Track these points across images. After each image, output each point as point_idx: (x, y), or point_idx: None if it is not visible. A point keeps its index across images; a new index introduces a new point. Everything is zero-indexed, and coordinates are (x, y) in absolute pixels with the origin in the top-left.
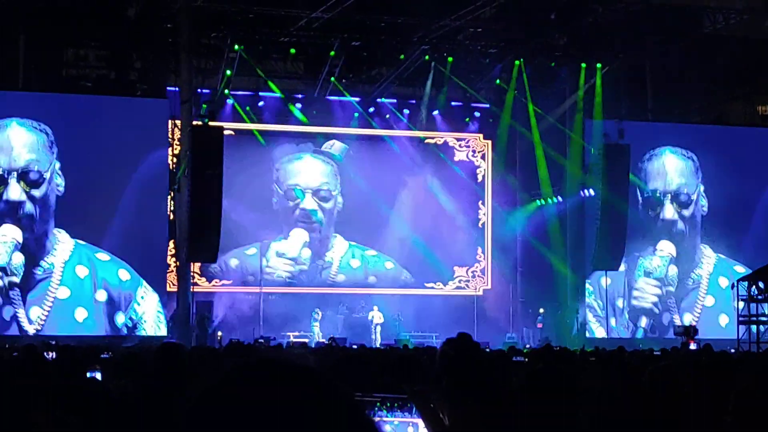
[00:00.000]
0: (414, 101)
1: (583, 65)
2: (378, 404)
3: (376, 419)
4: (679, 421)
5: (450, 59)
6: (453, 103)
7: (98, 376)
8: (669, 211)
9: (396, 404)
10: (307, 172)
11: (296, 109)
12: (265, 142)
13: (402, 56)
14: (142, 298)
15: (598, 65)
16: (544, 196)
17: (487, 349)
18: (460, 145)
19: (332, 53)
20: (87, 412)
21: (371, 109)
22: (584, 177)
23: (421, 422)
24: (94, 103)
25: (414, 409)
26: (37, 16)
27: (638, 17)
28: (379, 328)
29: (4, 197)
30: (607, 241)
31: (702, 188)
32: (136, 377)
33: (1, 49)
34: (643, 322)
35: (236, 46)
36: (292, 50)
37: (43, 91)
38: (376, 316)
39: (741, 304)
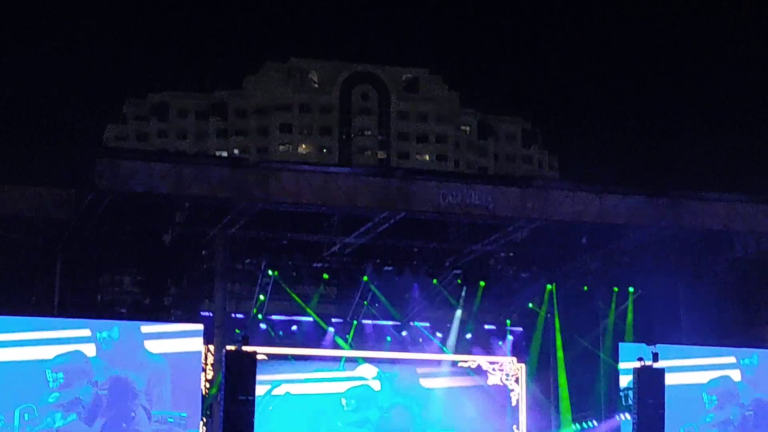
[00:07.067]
0: (447, 324)
1: (615, 289)
2: None
3: None
4: None
5: (482, 283)
6: (486, 326)
7: None
8: None
9: None
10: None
11: (335, 335)
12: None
13: (435, 281)
14: None
15: (630, 289)
16: (576, 421)
17: None
18: (493, 369)
19: (365, 278)
20: None
21: (404, 333)
22: (619, 401)
23: None
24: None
25: None
26: (74, 242)
27: (669, 241)
28: None
29: None
30: None
31: None
32: None
33: (38, 275)
34: None
35: (270, 272)
36: (326, 275)
37: (78, 317)
38: None
39: None
